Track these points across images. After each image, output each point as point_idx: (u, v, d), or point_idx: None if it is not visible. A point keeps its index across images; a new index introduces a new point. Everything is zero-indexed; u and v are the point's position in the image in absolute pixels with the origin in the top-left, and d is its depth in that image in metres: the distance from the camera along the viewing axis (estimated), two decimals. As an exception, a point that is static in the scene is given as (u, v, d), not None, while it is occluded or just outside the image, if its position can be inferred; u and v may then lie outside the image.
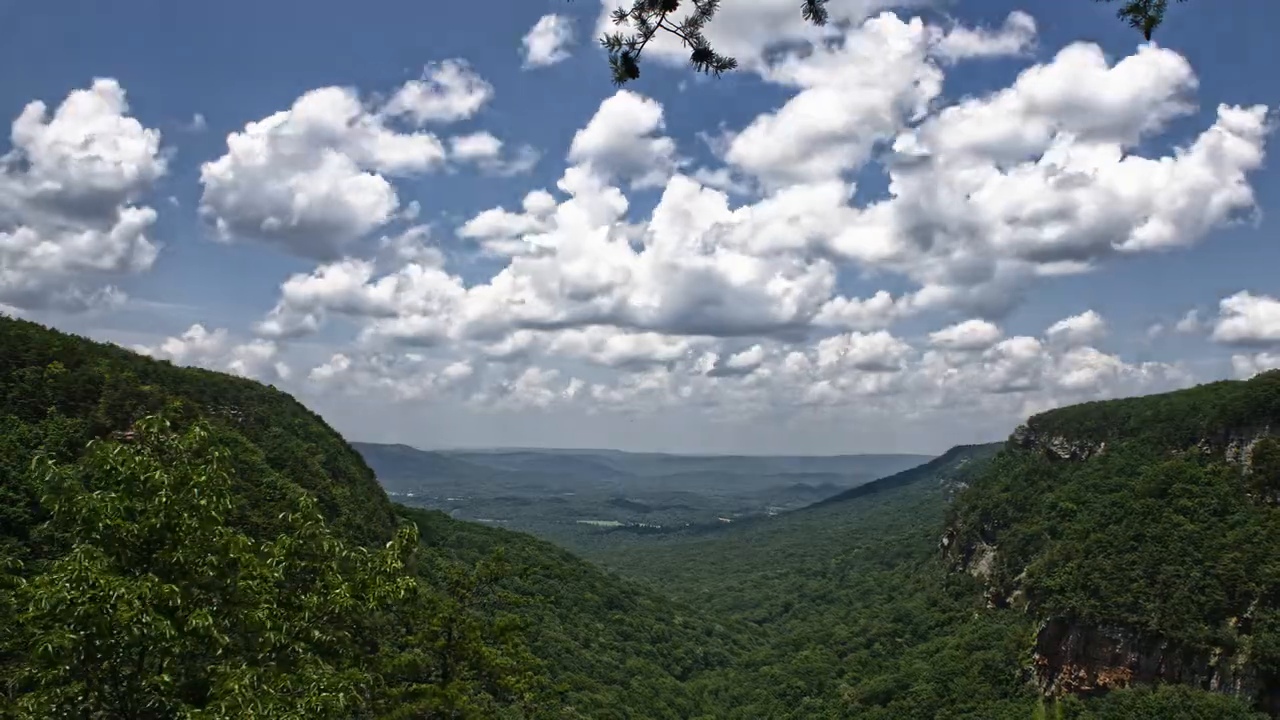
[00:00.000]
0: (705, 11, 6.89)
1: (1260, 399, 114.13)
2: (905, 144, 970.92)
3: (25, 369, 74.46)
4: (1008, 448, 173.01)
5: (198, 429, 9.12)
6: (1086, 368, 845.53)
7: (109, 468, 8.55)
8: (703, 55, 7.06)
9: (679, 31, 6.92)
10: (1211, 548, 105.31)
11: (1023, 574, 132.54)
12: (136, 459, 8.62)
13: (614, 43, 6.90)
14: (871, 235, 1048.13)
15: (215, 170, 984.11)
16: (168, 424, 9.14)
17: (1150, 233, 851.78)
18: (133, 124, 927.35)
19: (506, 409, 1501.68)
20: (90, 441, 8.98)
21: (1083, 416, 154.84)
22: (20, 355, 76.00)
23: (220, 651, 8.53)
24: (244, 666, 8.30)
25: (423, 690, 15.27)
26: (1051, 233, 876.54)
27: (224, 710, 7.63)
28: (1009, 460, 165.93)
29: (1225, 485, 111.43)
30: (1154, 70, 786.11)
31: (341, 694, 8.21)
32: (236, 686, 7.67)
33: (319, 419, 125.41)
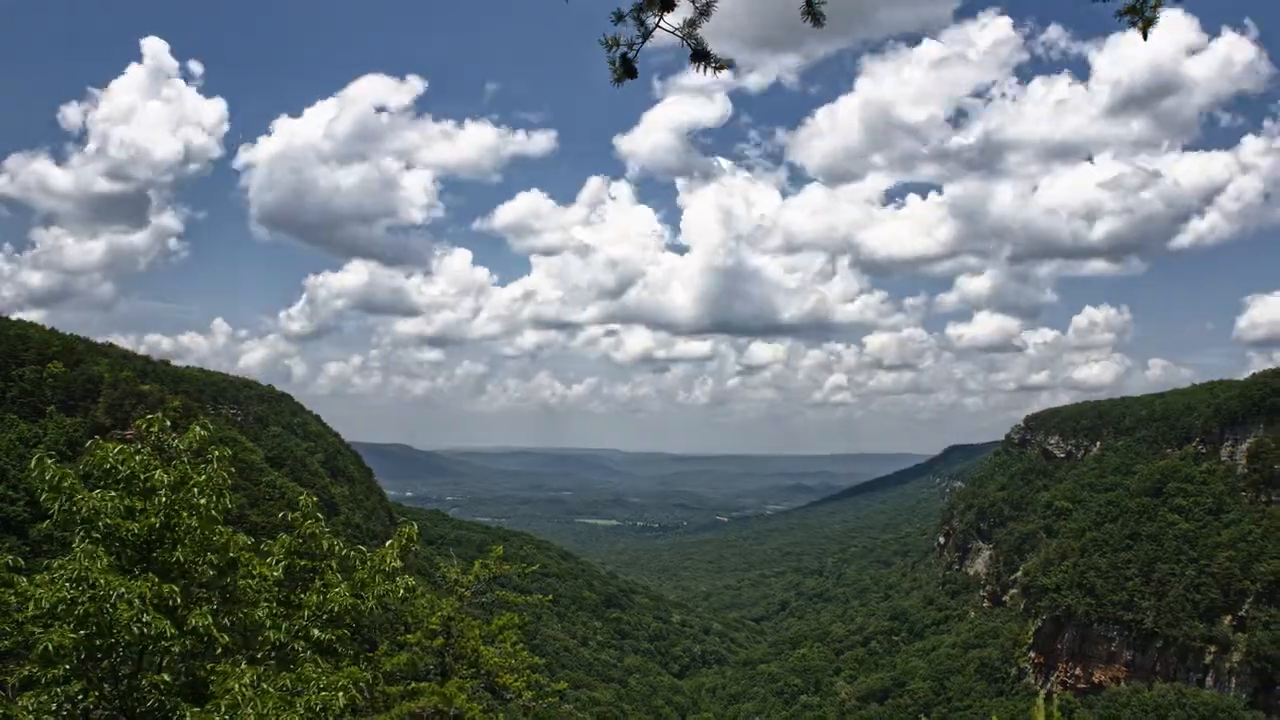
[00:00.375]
0: (703, 13, 6.86)
1: (1255, 398, 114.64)
2: (962, 140, 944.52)
3: (25, 368, 74.39)
4: (1004, 447, 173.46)
5: (197, 428, 9.14)
6: (1111, 365, 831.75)
7: (109, 466, 8.58)
8: (701, 56, 7.03)
9: (677, 32, 6.89)
10: (1206, 546, 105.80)
11: (1019, 572, 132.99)
12: (136, 458, 8.65)
13: (613, 43, 6.86)
14: (913, 233, 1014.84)
15: (250, 159, 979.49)
16: (168, 423, 9.16)
17: (1203, 229, 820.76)
18: (186, 115, 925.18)
19: (508, 408, 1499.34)
20: (90, 441, 9.00)
21: (1078, 416, 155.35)
22: (20, 355, 75.92)
23: (220, 650, 8.56)
24: (244, 665, 8.33)
25: (421, 689, 15.29)
26: (1099, 230, 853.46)
27: (224, 709, 7.65)
28: (1005, 459, 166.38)
29: (1220, 484, 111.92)
30: (1227, 60, 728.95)
31: (341, 693, 8.25)
32: (236, 685, 7.69)
33: (317, 418, 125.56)
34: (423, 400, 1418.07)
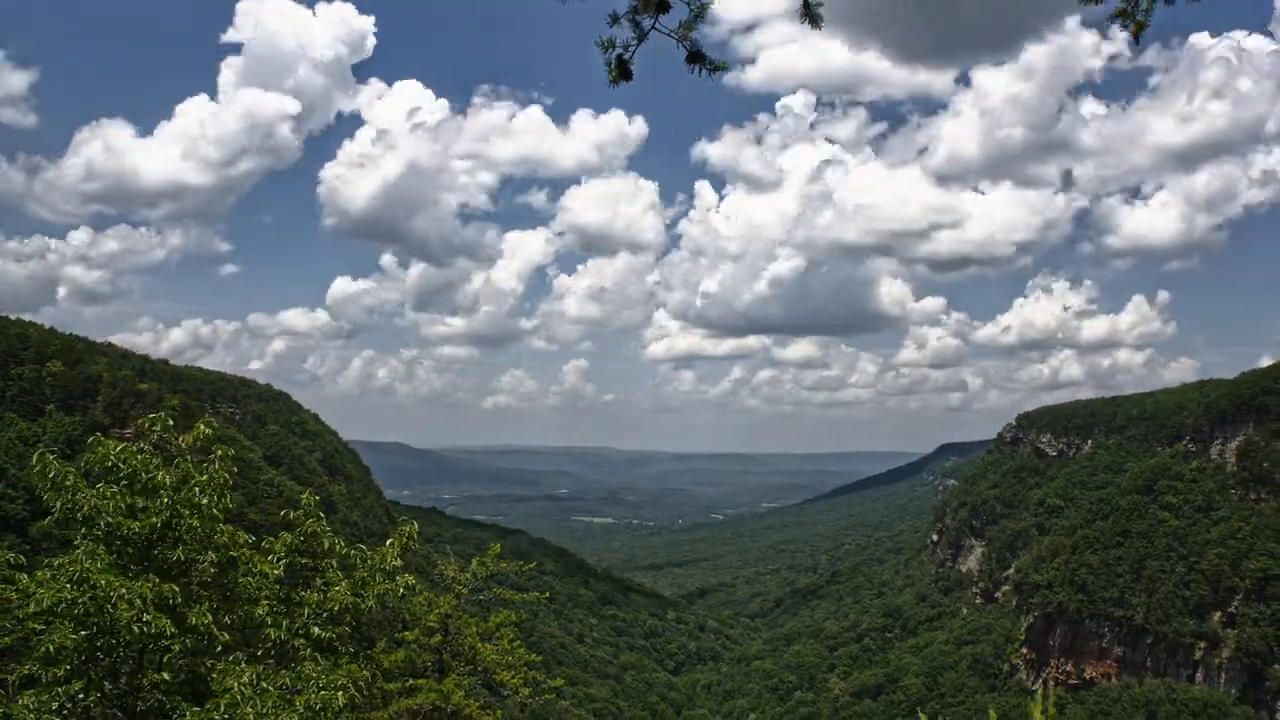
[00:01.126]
0: (698, 15, 6.87)
1: (1244, 396, 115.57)
2: (1075, 134, 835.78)
3: (24, 367, 74.14)
4: (996, 445, 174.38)
5: (202, 427, 9.17)
6: (1169, 361, 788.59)
7: (110, 464, 8.60)
8: (696, 58, 7.04)
9: (672, 34, 6.90)
10: (1196, 543, 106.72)
11: (1011, 569, 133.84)
12: (138, 457, 8.68)
13: (608, 45, 6.87)
14: (991, 230, 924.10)
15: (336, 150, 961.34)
16: (170, 422, 9.18)
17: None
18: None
19: (514, 407, 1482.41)
20: (91, 438, 9.01)
21: (1070, 414, 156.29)
22: (19, 354, 75.64)
23: (220, 648, 8.59)
24: (244, 664, 8.36)
25: (419, 686, 15.36)
26: (1194, 227, 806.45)
27: (223, 708, 7.68)
28: (997, 458, 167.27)
29: (1210, 482, 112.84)
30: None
31: (340, 692, 8.29)
32: (236, 684, 7.72)
33: (316, 416, 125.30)
34: (427, 399, 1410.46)
